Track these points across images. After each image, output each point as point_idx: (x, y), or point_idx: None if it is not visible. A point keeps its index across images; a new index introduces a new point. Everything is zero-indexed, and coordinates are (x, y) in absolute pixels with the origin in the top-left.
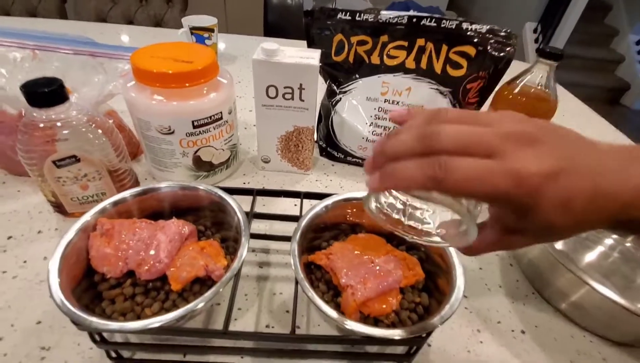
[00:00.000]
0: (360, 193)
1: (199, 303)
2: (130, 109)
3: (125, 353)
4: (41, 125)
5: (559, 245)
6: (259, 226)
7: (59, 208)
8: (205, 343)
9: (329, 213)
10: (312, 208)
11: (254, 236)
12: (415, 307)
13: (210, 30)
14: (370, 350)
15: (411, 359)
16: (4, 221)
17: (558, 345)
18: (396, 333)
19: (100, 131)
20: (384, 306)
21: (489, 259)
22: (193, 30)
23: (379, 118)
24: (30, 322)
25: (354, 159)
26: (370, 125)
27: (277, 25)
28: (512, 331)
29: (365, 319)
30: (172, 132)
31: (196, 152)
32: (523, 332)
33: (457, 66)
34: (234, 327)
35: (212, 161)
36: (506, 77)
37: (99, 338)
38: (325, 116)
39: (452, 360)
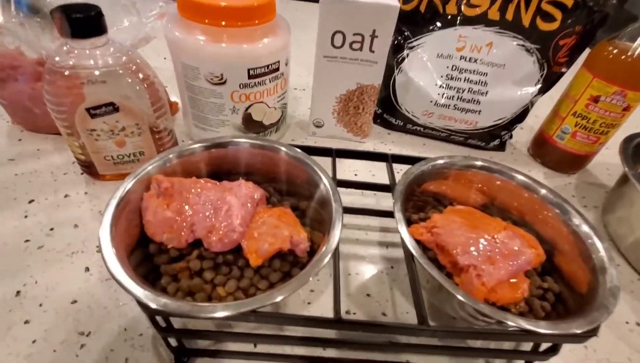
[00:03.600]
0: (466, 158)
1: (298, 286)
2: (173, 53)
3: (188, 343)
4: (73, 62)
5: None
6: None
7: (88, 168)
8: (279, 332)
9: (431, 177)
10: (408, 171)
11: None
12: (544, 294)
13: None
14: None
15: (547, 359)
16: (23, 183)
17: None
18: (571, 326)
19: (141, 76)
20: (515, 292)
21: None
22: None
23: (451, 78)
24: (63, 301)
25: (414, 128)
26: (440, 86)
27: None
28: (627, 323)
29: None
30: (224, 82)
31: (248, 108)
32: (638, 324)
33: (549, 18)
34: (308, 311)
35: (263, 120)
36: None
37: (165, 323)
38: (387, 75)
39: (569, 358)
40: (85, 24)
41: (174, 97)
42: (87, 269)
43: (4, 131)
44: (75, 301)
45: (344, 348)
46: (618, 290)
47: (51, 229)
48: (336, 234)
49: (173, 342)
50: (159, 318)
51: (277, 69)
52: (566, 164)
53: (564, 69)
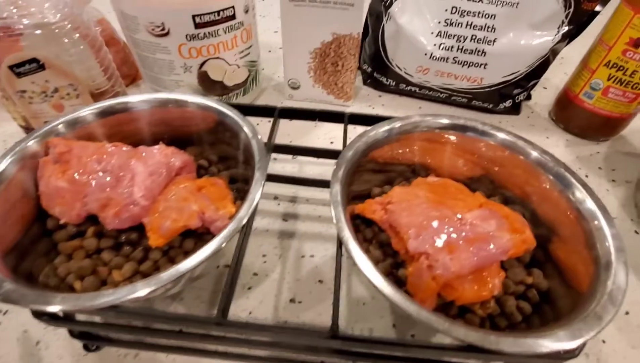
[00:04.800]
0: (444, 118)
1: (182, 270)
2: (113, 1)
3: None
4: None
5: None
6: (284, 166)
7: None
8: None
9: (389, 144)
10: (366, 133)
11: (278, 178)
12: (525, 291)
13: None
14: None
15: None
16: None
17: None
18: (540, 341)
19: (78, 35)
20: (480, 289)
21: None
22: None
23: (451, 24)
24: None
25: (408, 88)
26: (437, 35)
27: None
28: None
29: (444, 306)
30: (167, 33)
31: (202, 66)
32: None
33: None
34: (247, 298)
35: (223, 80)
36: None
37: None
38: (374, 26)
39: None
40: None
41: None
42: None
43: None
44: None
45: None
46: (622, 294)
47: None
48: (250, 203)
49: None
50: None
51: (233, 16)
52: (595, 130)
53: (598, 7)
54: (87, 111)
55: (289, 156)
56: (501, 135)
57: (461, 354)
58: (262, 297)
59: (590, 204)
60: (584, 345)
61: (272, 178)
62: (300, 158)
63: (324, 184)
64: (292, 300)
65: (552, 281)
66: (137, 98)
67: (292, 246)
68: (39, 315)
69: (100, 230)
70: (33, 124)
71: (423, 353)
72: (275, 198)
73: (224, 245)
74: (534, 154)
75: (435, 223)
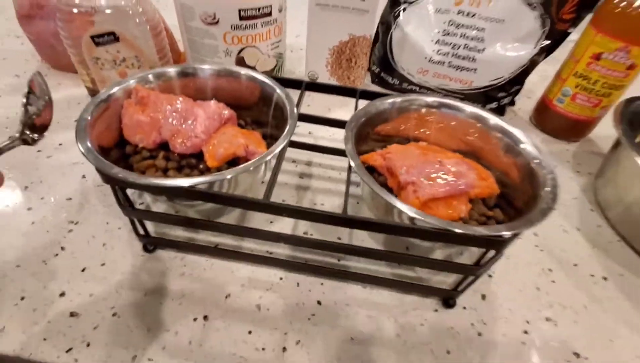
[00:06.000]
0: (432, 97)
1: (234, 172)
2: None
3: (154, 233)
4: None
5: None
6: (301, 138)
7: None
8: (239, 242)
9: (392, 114)
10: (373, 102)
11: (296, 144)
12: (486, 221)
13: None
14: (422, 274)
15: (481, 272)
16: None
17: None
18: (473, 230)
19: (145, 18)
20: (451, 211)
21: (565, 201)
22: None
23: (448, 34)
24: (60, 197)
25: (409, 87)
26: (436, 42)
27: None
28: (592, 276)
29: None
30: (217, 22)
31: (240, 52)
32: (605, 279)
33: None
34: (269, 228)
35: (256, 66)
36: None
37: (125, 201)
38: (384, 32)
39: (518, 295)
40: None
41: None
42: (84, 176)
43: (33, 67)
44: (70, 199)
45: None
46: (549, 211)
47: (60, 144)
48: (286, 136)
49: (141, 229)
50: (120, 195)
51: (270, 14)
52: (566, 131)
53: (569, 29)
54: (170, 69)
55: (306, 131)
56: (469, 109)
57: (434, 236)
58: (282, 230)
59: (531, 149)
60: (515, 235)
61: (292, 144)
62: (315, 132)
63: (333, 151)
64: (305, 233)
65: (506, 219)
66: (205, 66)
67: (306, 196)
68: (123, 205)
69: (167, 155)
70: (99, 87)
71: (406, 232)
72: (294, 161)
73: (264, 162)
74: (493, 121)
75: (421, 164)
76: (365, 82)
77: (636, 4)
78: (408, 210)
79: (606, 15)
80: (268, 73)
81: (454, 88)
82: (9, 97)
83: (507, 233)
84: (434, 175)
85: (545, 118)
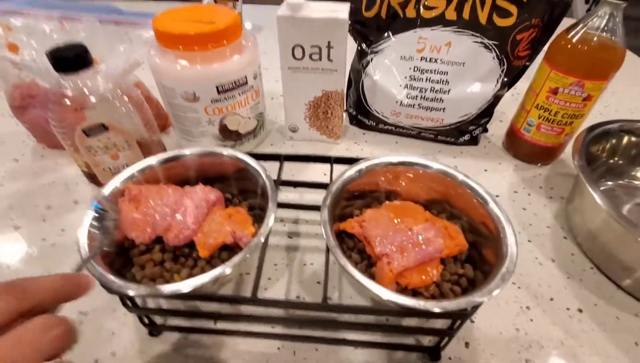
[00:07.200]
0: (396, 157)
1: (226, 268)
2: (155, 77)
3: (158, 320)
4: (69, 93)
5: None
6: (287, 195)
7: (92, 178)
8: (236, 311)
9: (362, 178)
10: (344, 172)
11: (283, 205)
12: (458, 279)
13: None
14: (407, 323)
15: (453, 334)
16: (43, 192)
17: (621, 324)
18: (437, 306)
19: (126, 98)
20: (424, 277)
21: (539, 230)
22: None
23: (414, 79)
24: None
25: (385, 127)
26: (404, 87)
27: None
28: (568, 309)
29: (402, 291)
30: (197, 99)
31: (222, 120)
32: (580, 311)
33: (505, 13)
34: (263, 296)
35: (238, 130)
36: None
37: (130, 303)
38: (356, 80)
39: (499, 338)
40: (67, 62)
41: None
42: (81, 257)
43: (30, 148)
44: None
45: (293, 326)
46: (510, 275)
47: (62, 230)
48: (266, 226)
49: (146, 319)
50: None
51: (245, 83)
52: (535, 156)
53: (526, 63)
54: (154, 160)
55: (292, 187)
56: (436, 165)
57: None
58: (275, 295)
59: (497, 211)
60: (499, 289)
61: (279, 205)
62: (300, 188)
63: (319, 208)
64: (297, 297)
65: (477, 272)
66: (187, 151)
67: (296, 257)
68: (127, 305)
69: (162, 247)
70: (94, 170)
71: (377, 312)
72: (282, 220)
73: (248, 255)
74: (460, 177)
75: (392, 233)
76: (345, 124)
77: (583, 42)
78: (377, 291)
79: (558, 52)
80: (250, 132)
81: (427, 126)
82: (10, 184)
83: (467, 308)
84: (405, 243)
85: (516, 145)
